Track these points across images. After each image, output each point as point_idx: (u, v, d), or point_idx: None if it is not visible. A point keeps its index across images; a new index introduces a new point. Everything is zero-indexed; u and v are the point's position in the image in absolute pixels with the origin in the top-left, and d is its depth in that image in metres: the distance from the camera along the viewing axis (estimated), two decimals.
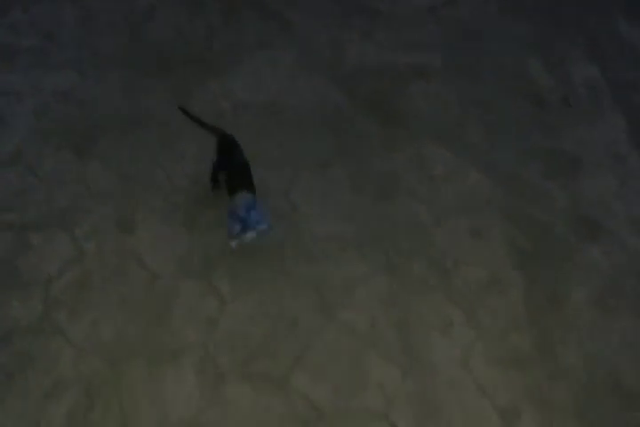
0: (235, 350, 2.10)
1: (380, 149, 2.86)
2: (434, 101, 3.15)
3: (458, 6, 3.83)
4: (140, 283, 2.31)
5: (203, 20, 3.62)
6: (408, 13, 3.82)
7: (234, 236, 2.14)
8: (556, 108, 3.13)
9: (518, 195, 2.66)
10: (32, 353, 2.09)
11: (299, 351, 2.08)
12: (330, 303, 2.23)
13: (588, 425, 1.91)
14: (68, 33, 3.55)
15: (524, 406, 1.96)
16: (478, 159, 2.84)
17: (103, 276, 2.33)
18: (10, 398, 1.96)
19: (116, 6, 3.66)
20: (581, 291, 2.28)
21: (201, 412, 1.94)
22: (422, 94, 3.20)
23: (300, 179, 2.73)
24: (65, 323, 2.18)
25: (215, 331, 2.14)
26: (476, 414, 1.94)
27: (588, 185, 2.72)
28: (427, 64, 3.41)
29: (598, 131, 3.01)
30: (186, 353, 2.08)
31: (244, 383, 2.01)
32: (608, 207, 2.62)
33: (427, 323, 2.17)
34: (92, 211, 2.59)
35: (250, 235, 2.14)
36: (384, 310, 2.22)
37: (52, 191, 2.67)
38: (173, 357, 2.07)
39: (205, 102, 3.09)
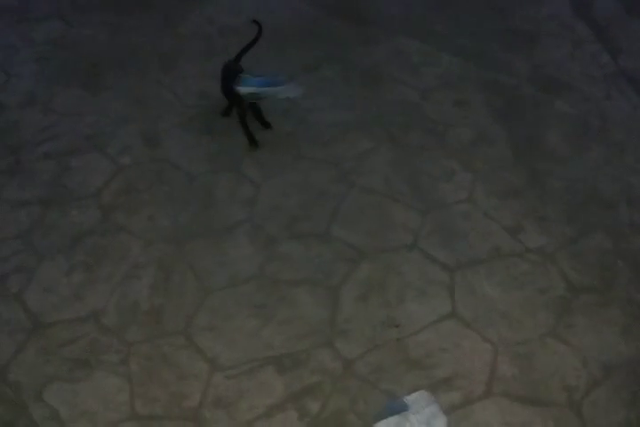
0: (277, 218, 2.45)
1: (360, 48, 3.18)
2: (399, 2, 3.45)
3: None
4: (180, 182, 2.62)
5: None
6: None
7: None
8: None
9: (486, 68, 3.03)
10: (104, 248, 2.40)
11: (331, 211, 2.45)
12: (348, 174, 2.59)
13: (576, 228, 2.35)
14: None
15: (525, 223, 2.38)
16: (446, 45, 3.19)
17: (145, 181, 2.64)
18: (97, 283, 2.29)
19: None
20: (555, 133, 2.69)
21: (263, 267, 2.30)
22: None
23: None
24: (124, 221, 2.49)
25: (256, 207, 2.49)
26: (488, 234, 2.35)
27: (544, 52, 3.11)
28: None
29: (545, 8, 3.37)
30: (237, 227, 2.43)
31: (293, 241, 2.37)
32: (565, 67, 3.01)
33: (432, 175, 2.56)
34: (116, 133, 2.86)
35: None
36: (394, 171, 2.59)
37: (74, 122, 2.92)
38: (227, 231, 2.41)
39: (192, 29, 3.33)
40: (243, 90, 2.49)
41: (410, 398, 1.73)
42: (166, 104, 3.00)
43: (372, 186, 2.55)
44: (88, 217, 2.53)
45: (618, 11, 3.35)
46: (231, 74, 2.64)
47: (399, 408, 1.77)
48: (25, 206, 2.56)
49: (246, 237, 2.41)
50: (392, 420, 1.74)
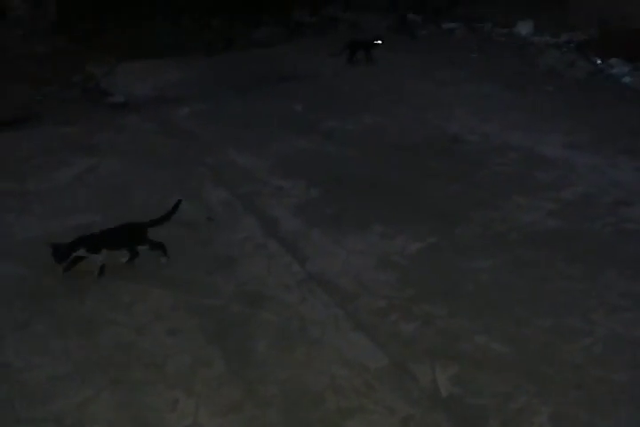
0: None
1: (71, 299, 3.62)
2: None
3: (101, 170, 4.95)
4: None
5: None
6: (58, 186, 4.79)
7: None
8: (204, 225, 4.30)
9: (195, 294, 3.65)
10: None
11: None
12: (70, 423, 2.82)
13: None
14: None
15: None
16: (155, 279, 3.77)
17: None
18: None
19: None
20: (263, 342, 3.30)
21: None
22: None
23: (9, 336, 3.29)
24: None
25: None
26: None
27: (244, 270, 3.86)
28: (90, 222, 4.31)
29: (241, 233, 4.24)
30: None
31: None
32: (264, 281, 3.76)
33: (157, 408, 2.92)
34: None
35: None
36: (118, 414, 2.91)
37: None
38: None
39: None
40: None
41: None
42: None
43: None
44: None
45: (300, 226, 4.35)
46: None
47: None
48: None
49: None
50: None
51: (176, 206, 3.90)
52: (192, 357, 3.22)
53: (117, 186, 4.84)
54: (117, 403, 2.97)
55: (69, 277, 3.76)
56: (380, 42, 7.15)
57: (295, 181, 4.84)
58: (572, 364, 3.19)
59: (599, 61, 7.46)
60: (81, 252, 3.65)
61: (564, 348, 3.29)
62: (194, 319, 3.46)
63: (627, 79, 7.11)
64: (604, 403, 2.97)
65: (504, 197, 4.66)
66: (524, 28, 8.49)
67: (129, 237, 3.81)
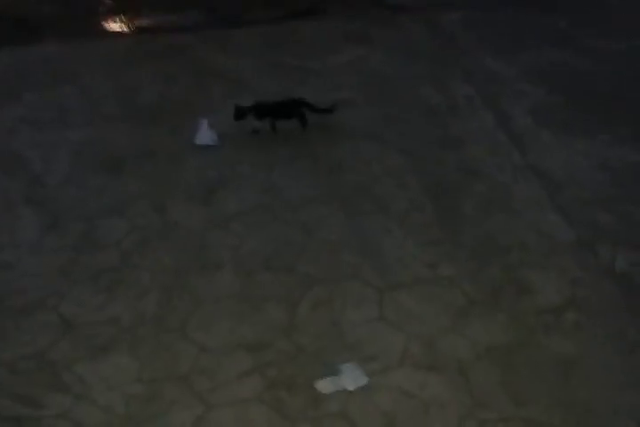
0: (255, 258, 3.74)
1: (326, 148, 4.68)
2: (361, 118, 5.02)
3: (369, 59, 5.90)
4: (181, 234, 3.95)
5: (177, 87, 5.52)
6: (332, 67, 5.85)
7: None
8: (444, 114, 5.09)
9: (423, 161, 4.50)
10: (121, 279, 3.65)
11: (296, 254, 3.74)
12: (310, 230, 3.92)
13: (478, 264, 3.61)
14: (75, 104, 5.36)
15: (441, 262, 3.63)
16: (395, 146, 4.68)
17: (154, 235, 3.96)
18: (115, 301, 3.50)
19: (105, 85, 5.55)
20: (469, 205, 4.05)
21: (241, 289, 3.53)
22: (352, 115, 5.07)
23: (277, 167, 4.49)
24: (137, 261, 3.77)
25: (240, 251, 3.78)
26: (413, 268, 3.61)
27: (470, 151, 4.60)
28: (351, 98, 5.32)
29: (475, 122, 4.95)
30: (224, 264, 3.70)
31: (266, 272, 3.62)
32: (485, 162, 4.47)
33: (374, 231, 3.87)
34: (134, 204, 4.23)
35: None
36: (346, 228, 3.91)
37: (100, 197, 4.31)
38: (216, 267, 3.68)
39: (191, 134, 4.85)
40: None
41: (342, 366, 2.92)
42: (174, 185, 4.41)
43: (329, 238, 3.85)
44: (110, 258, 3.80)
45: (531, 124, 4.92)
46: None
47: (334, 372, 2.95)
48: (61, 250, 3.85)
49: (230, 270, 3.66)
50: (329, 379, 2.92)
51: (332, 108, 4.79)
52: (410, 203, 4.10)
53: (378, 73, 5.76)
54: (347, 223, 3.97)
55: (324, 131, 4.83)
56: None
57: (538, 87, 5.34)
58: None
59: None
60: (251, 116, 4.74)
61: None
62: (418, 179, 4.32)
63: None
64: None
65: None
66: None
67: (289, 109, 4.79)
